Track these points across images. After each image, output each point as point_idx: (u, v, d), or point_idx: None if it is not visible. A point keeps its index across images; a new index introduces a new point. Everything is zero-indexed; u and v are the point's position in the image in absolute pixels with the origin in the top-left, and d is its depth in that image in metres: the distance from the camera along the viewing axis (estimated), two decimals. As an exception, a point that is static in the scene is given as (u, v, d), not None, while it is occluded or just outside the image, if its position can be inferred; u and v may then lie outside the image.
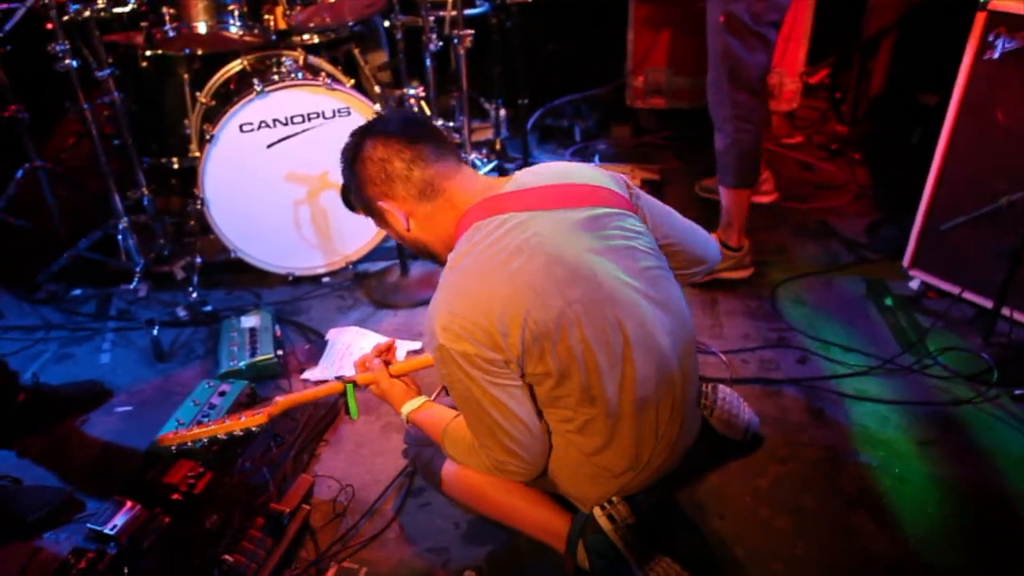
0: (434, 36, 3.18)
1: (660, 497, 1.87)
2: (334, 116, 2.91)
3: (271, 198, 2.96)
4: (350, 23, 3.32)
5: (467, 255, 1.55)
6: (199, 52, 3.17)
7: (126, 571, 1.84)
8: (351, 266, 3.16)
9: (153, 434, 2.21)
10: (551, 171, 1.70)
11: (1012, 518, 1.96)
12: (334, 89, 2.88)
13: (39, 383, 2.44)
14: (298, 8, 3.12)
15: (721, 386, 2.13)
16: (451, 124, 3.68)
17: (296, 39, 3.23)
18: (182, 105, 3.28)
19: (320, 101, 2.89)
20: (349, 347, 2.70)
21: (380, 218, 1.72)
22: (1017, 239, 2.30)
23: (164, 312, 2.95)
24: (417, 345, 2.69)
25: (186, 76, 3.27)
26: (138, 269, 2.98)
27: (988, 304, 2.50)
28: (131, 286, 2.96)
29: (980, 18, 2.38)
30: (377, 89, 3.57)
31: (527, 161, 3.88)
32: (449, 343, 1.49)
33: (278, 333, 2.70)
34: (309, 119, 2.89)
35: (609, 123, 4.40)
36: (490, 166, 3.84)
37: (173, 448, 1.93)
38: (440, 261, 1.68)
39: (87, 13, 2.68)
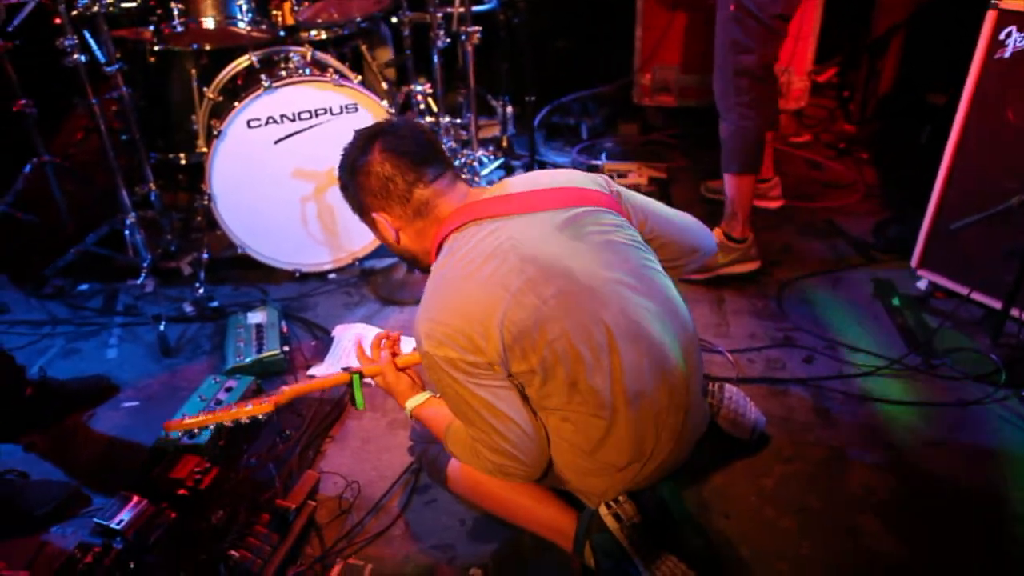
0: (441, 32, 3.18)
1: (666, 494, 1.87)
2: (342, 112, 2.91)
3: (278, 194, 2.97)
4: (358, 19, 3.32)
5: (445, 264, 1.62)
6: (207, 47, 3.17)
7: (132, 566, 1.85)
8: (358, 263, 3.16)
9: (159, 430, 2.23)
10: (527, 178, 1.75)
11: (1019, 520, 1.95)
12: (342, 85, 2.88)
13: (46, 378, 2.45)
14: (306, 4, 3.12)
15: (728, 385, 2.13)
16: (458, 121, 3.68)
17: (304, 35, 3.23)
18: (190, 100, 3.29)
19: (328, 97, 2.89)
20: (355, 343, 2.69)
21: (371, 224, 1.76)
22: (1027, 239, 2.29)
23: (171, 308, 2.95)
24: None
25: (194, 71, 3.27)
26: (145, 265, 2.99)
27: (997, 305, 2.49)
28: (138, 281, 2.97)
29: (991, 16, 2.37)
30: (384, 85, 3.57)
31: (534, 158, 3.87)
32: (432, 349, 1.55)
33: (284, 329, 2.71)
34: (317, 115, 2.89)
35: (616, 121, 4.38)
36: (496, 163, 3.84)
37: (180, 435, 1.93)
38: (425, 270, 1.74)
39: (96, 8, 2.68)
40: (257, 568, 1.82)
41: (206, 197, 2.91)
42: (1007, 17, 2.33)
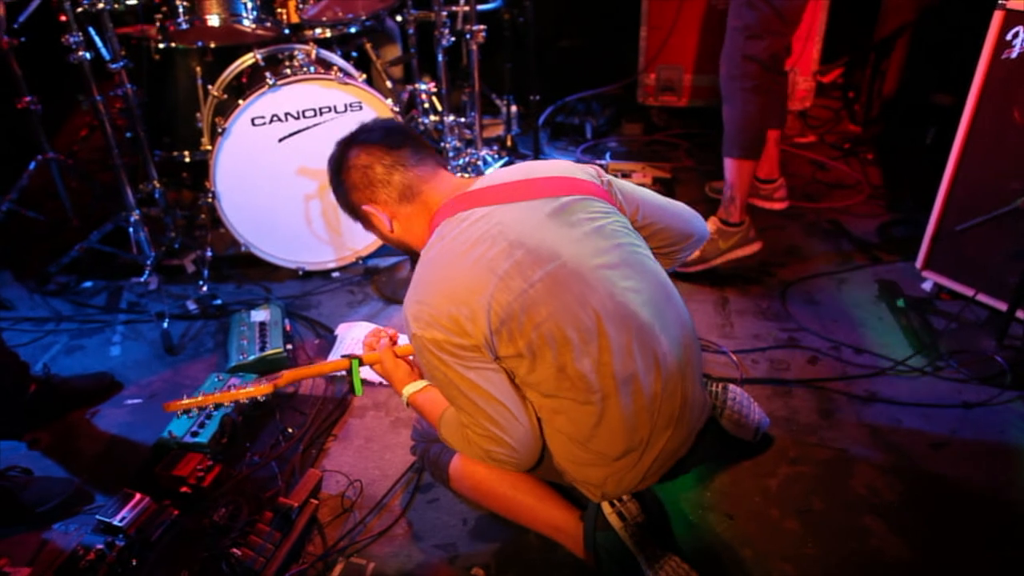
0: (446, 31, 3.18)
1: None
2: (346, 110, 2.91)
3: (282, 192, 2.97)
4: (363, 18, 3.32)
5: (434, 248, 1.64)
6: (212, 45, 3.18)
7: (134, 563, 1.86)
8: (361, 261, 3.16)
9: (162, 427, 2.23)
10: (518, 168, 1.77)
11: (1025, 522, 1.95)
12: (346, 83, 2.88)
13: (50, 375, 2.45)
14: (311, 2, 3.12)
15: (731, 386, 2.11)
16: (462, 120, 3.67)
17: (309, 33, 3.23)
18: (194, 98, 3.29)
19: (332, 95, 2.88)
20: (358, 342, 2.69)
21: (366, 221, 1.80)
22: (1033, 241, 2.28)
23: (174, 305, 2.96)
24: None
25: (198, 69, 3.28)
26: (149, 262, 2.98)
27: (1002, 306, 2.48)
28: (142, 279, 2.96)
29: (998, 17, 2.36)
30: (389, 84, 3.57)
31: (538, 158, 3.87)
32: (420, 331, 1.56)
33: (288, 327, 2.70)
34: (321, 113, 2.89)
35: (621, 120, 4.39)
36: (501, 163, 3.83)
37: (179, 413, 1.94)
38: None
39: (100, 5, 2.68)
40: (259, 566, 1.82)
41: (210, 195, 2.91)
42: (1014, 17, 2.33)
